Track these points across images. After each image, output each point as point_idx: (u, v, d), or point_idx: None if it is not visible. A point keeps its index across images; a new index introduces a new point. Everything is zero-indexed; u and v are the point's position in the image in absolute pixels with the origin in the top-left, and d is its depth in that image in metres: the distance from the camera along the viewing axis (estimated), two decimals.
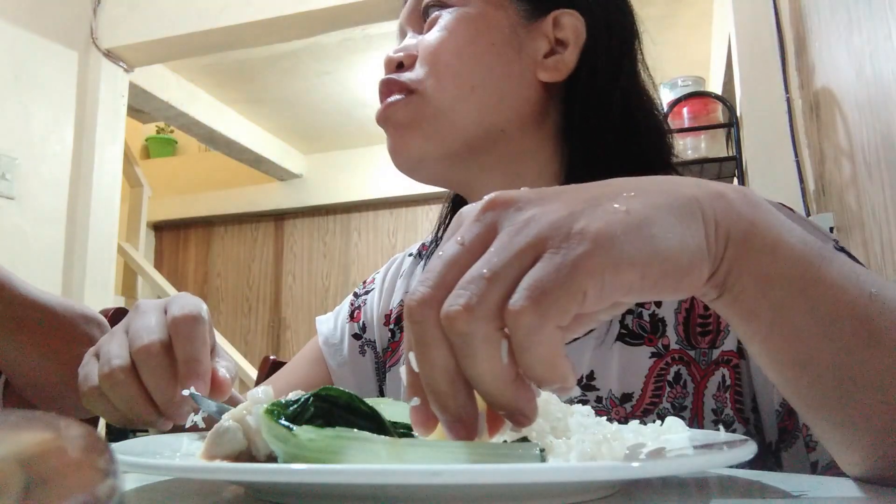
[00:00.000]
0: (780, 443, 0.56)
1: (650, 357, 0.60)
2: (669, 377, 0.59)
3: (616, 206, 0.31)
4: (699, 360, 0.60)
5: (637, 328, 0.61)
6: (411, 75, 0.69)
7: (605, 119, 0.68)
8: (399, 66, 0.70)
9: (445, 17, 0.69)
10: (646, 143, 0.69)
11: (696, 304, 0.61)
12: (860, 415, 0.37)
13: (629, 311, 0.62)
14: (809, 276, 0.35)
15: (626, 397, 0.60)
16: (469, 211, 0.33)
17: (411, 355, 0.31)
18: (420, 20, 0.72)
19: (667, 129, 0.72)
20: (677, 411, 0.59)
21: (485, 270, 0.30)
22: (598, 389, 0.61)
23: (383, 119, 0.70)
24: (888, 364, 0.36)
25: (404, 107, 0.68)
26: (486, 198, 0.33)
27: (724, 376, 0.59)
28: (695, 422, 0.58)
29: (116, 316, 0.91)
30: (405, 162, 0.70)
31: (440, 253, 0.32)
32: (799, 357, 0.37)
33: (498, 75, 0.68)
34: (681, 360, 0.60)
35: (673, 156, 0.71)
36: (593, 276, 0.29)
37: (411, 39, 0.71)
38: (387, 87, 0.70)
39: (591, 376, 0.62)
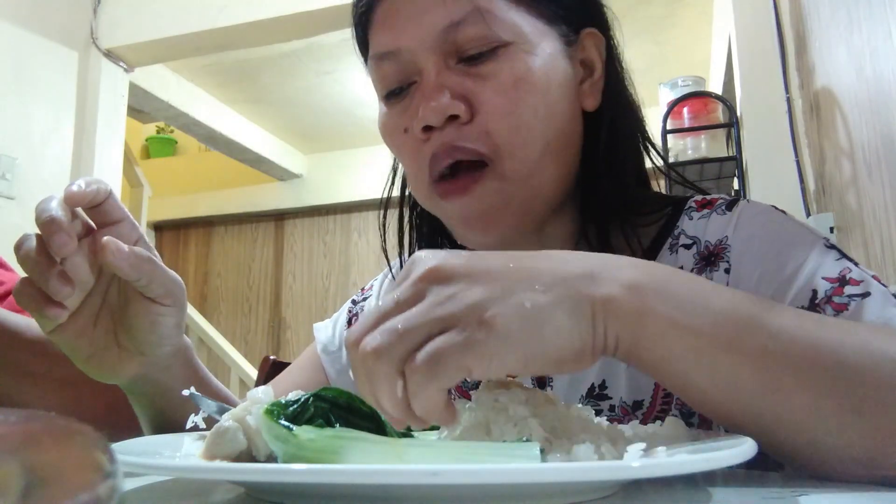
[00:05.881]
0: None
1: None
2: None
3: (523, 299, 0.38)
4: None
5: None
6: (481, 139, 0.58)
7: (629, 138, 0.66)
8: (451, 117, 0.59)
9: (510, 61, 0.59)
10: (643, 155, 0.68)
11: None
12: (788, 451, 0.42)
13: None
14: (705, 348, 0.40)
15: (637, 405, 0.60)
16: (414, 269, 0.40)
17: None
18: (449, 53, 0.60)
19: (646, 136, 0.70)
20: (686, 418, 0.58)
21: (399, 326, 0.37)
22: (610, 398, 0.61)
23: (463, 212, 0.60)
24: (797, 404, 0.40)
25: (491, 193, 0.59)
26: (425, 268, 0.39)
27: None
28: (703, 427, 0.58)
29: None
30: (492, 243, 0.62)
31: (380, 304, 0.39)
32: (712, 409, 0.42)
33: (564, 118, 0.62)
34: None
35: (661, 157, 0.69)
36: (482, 359, 0.36)
37: (449, 79, 0.59)
38: (449, 152, 0.59)
39: (602, 385, 0.62)
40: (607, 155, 0.64)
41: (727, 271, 0.59)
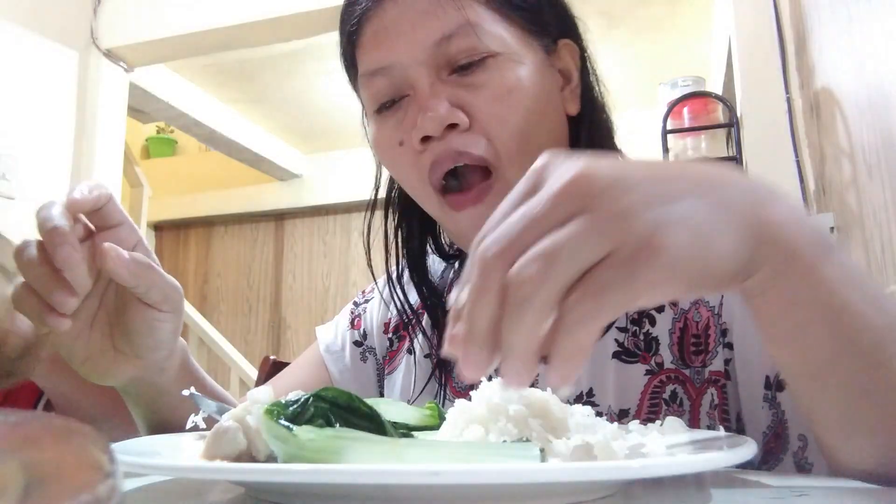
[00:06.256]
0: (763, 464, 0.58)
1: (645, 374, 0.62)
2: (666, 395, 0.61)
3: (693, 212, 0.33)
4: (694, 379, 0.61)
5: (632, 346, 0.63)
6: (481, 144, 0.60)
7: (605, 141, 0.69)
8: (449, 126, 0.61)
9: (501, 70, 0.61)
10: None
11: (689, 325, 0.62)
12: (865, 428, 0.40)
13: (623, 330, 0.64)
14: (834, 303, 0.38)
15: (624, 413, 0.62)
16: (552, 175, 0.34)
17: (466, 289, 0.34)
18: (442, 66, 0.62)
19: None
20: None
21: (565, 250, 0.31)
22: (597, 405, 0.63)
23: (479, 219, 0.57)
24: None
25: (502, 195, 0.59)
26: (570, 176, 0.33)
27: (713, 395, 0.60)
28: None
29: None
30: None
31: (520, 215, 0.33)
32: (810, 369, 0.40)
33: (553, 123, 0.65)
34: (676, 380, 0.62)
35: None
36: (652, 288, 0.32)
37: (444, 90, 0.61)
38: (451, 158, 0.61)
39: (590, 393, 0.64)
40: None
41: None
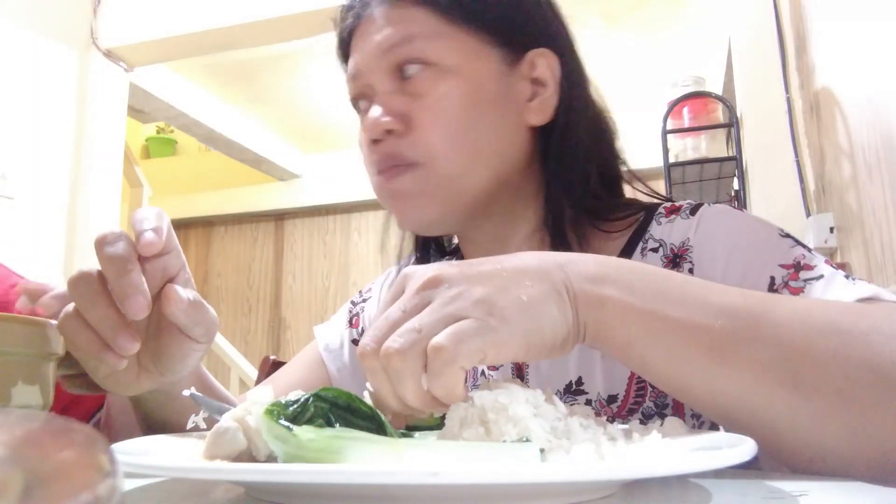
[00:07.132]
0: None
1: None
2: None
3: (519, 293, 0.42)
4: None
5: None
6: (413, 149, 0.65)
7: (580, 148, 0.70)
8: (388, 130, 0.66)
9: (436, 80, 0.65)
10: (611, 163, 0.74)
11: None
12: (742, 429, 0.43)
13: None
14: (658, 329, 0.43)
15: (612, 398, 0.64)
16: (411, 281, 0.43)
17: (368, 384, 0.42)
18: (391, 74, 0.67)
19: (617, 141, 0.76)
20: (659, 409, 0.63)
21: (416, 325, 0.40)
22: (586, 393, 0.65)
23: (390, 195, 0.68)
24: (742, 379, 0.42)
25: (414, 180, 0.66)
26: (424, 278, 0.42)
27: None
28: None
29: None
30: (417, 226, 0.70)
31: (385, 315, 0.42)
32: (674, 386, 0.45)
33: (497, 131, 0.67)
34: None
35: (625, 165, 0.75)
36: (495, 345, 0.40)
37: (390, 98, 0.66)
38: (387, 160, 0.67)
39: (579, 381, 0.66)
40: (557, 164, 0.69)
41: (691, 271, 0.64)
